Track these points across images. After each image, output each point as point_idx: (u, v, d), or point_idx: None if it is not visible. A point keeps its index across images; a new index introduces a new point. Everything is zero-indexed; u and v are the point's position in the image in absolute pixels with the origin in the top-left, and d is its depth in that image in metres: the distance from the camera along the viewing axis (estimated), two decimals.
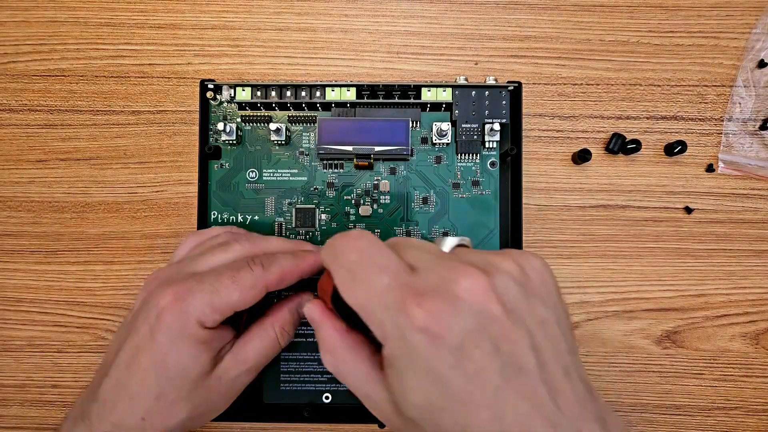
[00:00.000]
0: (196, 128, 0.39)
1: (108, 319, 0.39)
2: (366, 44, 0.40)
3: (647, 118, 0.40)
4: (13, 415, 0.39)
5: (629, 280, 0.39)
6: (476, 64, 0.40)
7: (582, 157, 0.38)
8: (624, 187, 0.39)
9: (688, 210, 0.39)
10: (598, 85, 0.40)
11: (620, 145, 0.39)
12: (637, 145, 0.39)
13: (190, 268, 0.29)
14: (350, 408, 0.36)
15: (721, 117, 0.40)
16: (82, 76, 0.40)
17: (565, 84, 0.40)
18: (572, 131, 0.40)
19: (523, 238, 0.36)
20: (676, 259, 0.39)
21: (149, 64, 0.40)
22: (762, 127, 0.39)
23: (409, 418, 0.21)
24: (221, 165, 0.37)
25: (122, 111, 0.40)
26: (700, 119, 0.40)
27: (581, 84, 0.40)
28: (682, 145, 0.38)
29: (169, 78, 0.40)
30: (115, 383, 0.28)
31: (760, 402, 0.38)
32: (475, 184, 0.37)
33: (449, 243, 0.25)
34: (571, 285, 0.39)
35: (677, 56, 0.40)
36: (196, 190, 0.39)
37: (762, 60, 0.39)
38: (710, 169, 0.39)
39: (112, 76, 0.40)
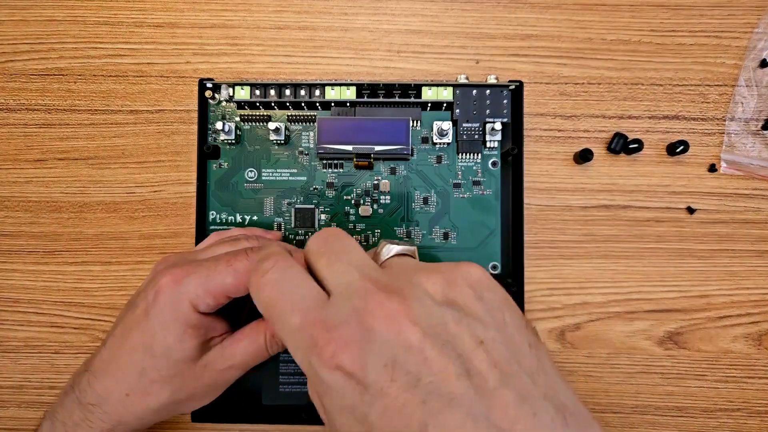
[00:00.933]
0: (195, 128, 0.39)
1: (106, 320, 0.39)
2: (366, 43, 0.40)
3: (649, 118, 0.39)
4: (10, 416, 0.38)
5: (631, 281, 0.39)
6: (477, 63, 0.40)
7: (584, 156, 0.38)
8: (626, 187, 0.39)
9: (691, 210, 0.39)
10: (599, 84, 0.40)
11: (622, 145, 0.38)
12: (639, 144, 0.38)
13: (195, 256, 0.30)
14: None
15: (723, 117, 0.39)
16: (80, 75, 0.40)
17: (566, 83, 0.40)
18: (574, 131, 0.39)
19: (525, 239, 0.36)
20: (678, 260, 0.39)
21: (148, 63, 0.40)
22: (764, 127, 0.39)
23: None
24: (220, 165, 0.37)
25: (120, 110, 0.40)
26: (702, 119, 0.39)
27: (583, 83, 0.40)
28: (684, 145, 0.38)
29: (167, 77, 0.40)
30: (107, 356, 0.29)
31: (762, 403, 0.38)
32: (476, 183, 0.37)
33: (387, 251, 0.23)
34: (572, 285, 0.39)
35: (679, 55, 0.40)
36: (195, 190, 0.39)
37: (764, 59, 0.39)
38: (712, 169, 0.39)
39: (110, 76, 0.40)
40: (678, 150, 0.38)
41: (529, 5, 0.40)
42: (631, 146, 0.38)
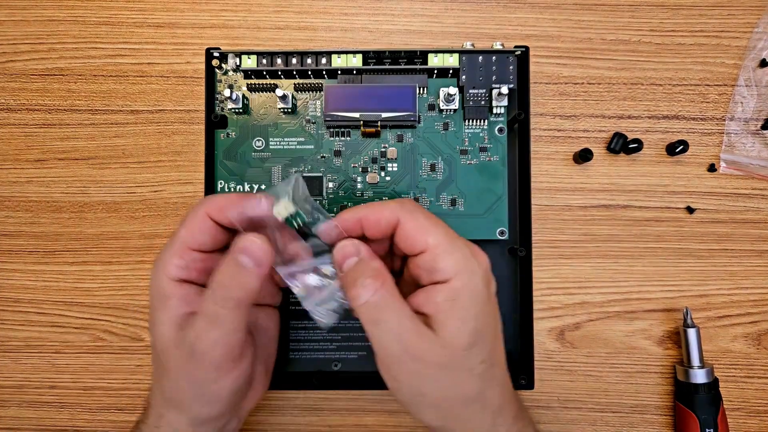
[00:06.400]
0: (196, 128, 0.39)
1: (106, 320, 0.39)
2: (366, 43, 0.40)
3: (649, 118, 0.39)
4: (11, 416, 0.39)
5: (631, 281, 0.39)
6: None
7: (583, 156, 0.38)
8: (625, 186, 0.39)
9: (690, 210, 0.39)
10: (599, 84, 0.40)
11: (622, 145, 0.39)
12: (638, 144, 0.38)
13: None
14: (359, 375, 0.36)
15: (722, 116, 0.39)
16: (80, 75, 0.40)
17: (566, 83, 0.40)
18: (573, 131, 0.39)
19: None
20: (677, 260, 0.39)
21: (148, 63, 0.40)
22: (764, 127, 0.39)
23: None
24: (227, 134, 0.37)
25: (121, 110, 0.40)
26: (701, 119, 0.39)
27: (582, 83, 0.40)
28: (683, 145, 0.38)
29: (167, 77, 0.40)
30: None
31: (762, 403, 0.38)
32: (483, 150, 0.37)
33: None
34: (572, 285, 0.39)
35: (679, 55, 0.40)
36: (195, 190, 0.39)
37: (764, 59, 0.39)
38: (712, 168, 0.39)
39: (110, 76, 0.40)
40: (677, 150, 0.38)
41: (529, 5, 0.40)
42: (630, 146, 0.38)
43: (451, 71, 0.36)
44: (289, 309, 0.37)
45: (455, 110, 0.37)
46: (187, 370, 0.27)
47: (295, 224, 0.27)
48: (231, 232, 0.28)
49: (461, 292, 0.25)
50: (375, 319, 0.25)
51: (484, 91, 0.36)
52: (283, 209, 0.27)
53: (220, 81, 0.37)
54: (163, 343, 0.27)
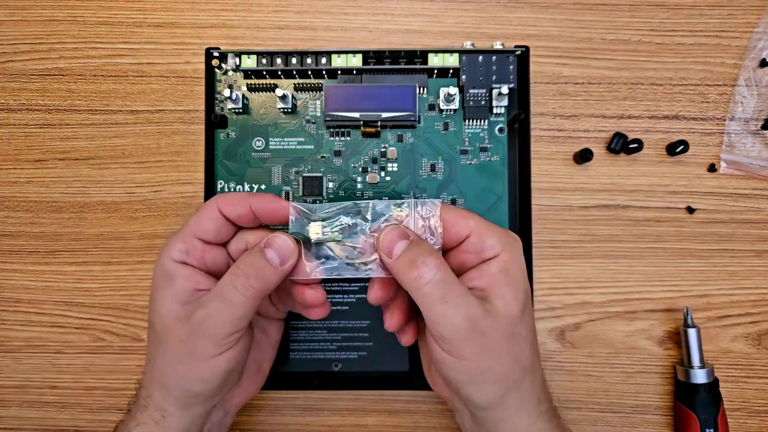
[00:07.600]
0: (195, 128, 0.39)
1: (106, 320, 0.39)
2: (366, 43, 0.40)
3: (649, 118, 0.39)
4: (12, 416, 0.39)
5: (631, 281, 0.39)
6: None
7: (584, 156, 0.38)
8: (626, 186, 0.39)
9: (690, 210, 0.39)
10: (599, 84, 0.40)
11: (622, 145, 0.38)
12: (638, 144, 0.38)
13: None
14: (359, 375, 0.36)
15: (723, 116, 0.39)
16: (80, 75, 0.40)
17: (566, 83, 0.40)
18: (574, 131, 0.39)
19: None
20: (678, 260, 0.39)
21: (147, 63, 0.40)
22: (764, 127, 0.39)
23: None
24: (227, 134, 0.37)
25: (120, 110, 0.40)
26: (702, 119, 0.39)
27: (583, 83, 0.40)
28: (684, 145, 0.38)
29: (167, 77, 0.40)
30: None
31: (762, 403, 0.38)
32: (483, 150, 0.37)
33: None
34: (573, 285, 0.39)
35: (679, 55, 0.40)
36: (195, 191, 0.39)
37: (764, 59, 0.39)
38: (712, 168, 0.39)
39: (110, 75, 0.40)
40: (678, 150, 0.38)
41: (529, 5, 0.40)
42: (630, 146, 0.38)
43: (451, 71, 0.36)
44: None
45: (455, 110, 0.37)
46: (186, 343, 0.27)
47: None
48: (236, 230, 0.30)
49: (510, 263, 0.27)
50: (444, 296, 0.25)
51: (484, 90, 0.36)
52: (319, 231, 0.28)
53: (220, 81, 0.37)
54: (165, 318, 0.27)
